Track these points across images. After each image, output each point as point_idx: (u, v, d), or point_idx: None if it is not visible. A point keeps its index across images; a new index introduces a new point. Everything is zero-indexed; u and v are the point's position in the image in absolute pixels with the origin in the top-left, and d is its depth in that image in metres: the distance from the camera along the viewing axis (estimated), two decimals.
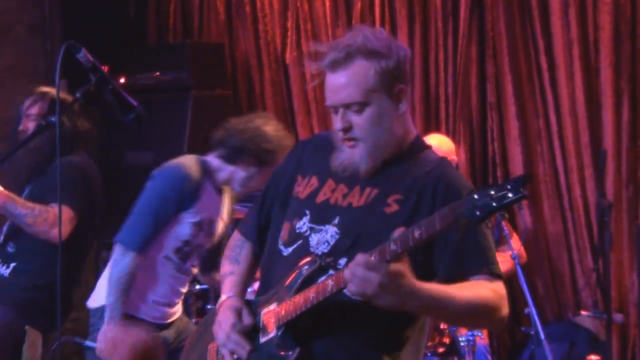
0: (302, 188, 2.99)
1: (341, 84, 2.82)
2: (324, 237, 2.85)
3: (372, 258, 2.47)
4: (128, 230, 4.28)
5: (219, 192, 4.44)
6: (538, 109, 6.40)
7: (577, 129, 6.23)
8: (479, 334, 5.28)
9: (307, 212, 2.92)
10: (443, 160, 2.93)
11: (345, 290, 2.59)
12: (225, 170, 4.37)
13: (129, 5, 7.68)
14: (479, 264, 2.77)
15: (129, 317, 4.29)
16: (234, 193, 4.63)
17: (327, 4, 7.03)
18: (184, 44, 7.14)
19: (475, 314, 2.72)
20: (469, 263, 2.76)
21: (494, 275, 2.77)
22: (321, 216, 2.89)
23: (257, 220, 3.18)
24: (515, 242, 5.65)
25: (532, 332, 5.08)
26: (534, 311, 5.05)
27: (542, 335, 5.03)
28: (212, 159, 4.39)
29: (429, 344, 5.27)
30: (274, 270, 2.96)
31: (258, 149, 4.30)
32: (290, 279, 2.83)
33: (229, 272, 3.16)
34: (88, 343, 4.28)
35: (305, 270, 2.79)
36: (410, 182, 2.83)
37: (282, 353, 2.76)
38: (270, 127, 4.37)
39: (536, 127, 6.42)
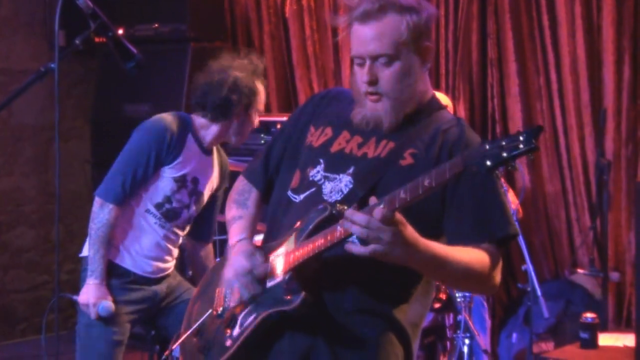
0: (316, 137, 2.98)
1: (372, 35, 2.79)
2: (338, 186, 2.84)
3: (382, 207, 2.46)
4: (107, 183, 4.27)
5: (206, 152, 4.40)
6: (539, 67, 6.38)
7: (577, 87, 6.21)
8: None
9: (322, 160, 2.91)
10: (460, 120, 2.94)
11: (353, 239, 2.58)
12: (215, 127, 4.34)
13: None
14: (489, 230, 2.75)
15: (117, 268, 4.29)
16: (224, 156, 4.61)
17: None
18: None
19: (468, 280, 2.76)
20: (480, 228, 2.74)
21: (501, 240, 2.78)
22: (336, 165, 2.88)
23: (264, 168, 3.16)
24: (512, 198, 5.64)
25: (529, 289, 5.08)
26: (530, 268, 5.05)
27: (539, 292, 5.03)
28: (199, 118, 4.36)
29: None
30: (284, 217, 2.95)
31: (240, 96, 4.26)
32: (301, 225, 2.82)
33: (237, 216, 3.14)
34: (75, 297, 4.28)
35: (316, 216, 2.77)
36: (428, 138, 2.84)
37: (288, 297, 2.76)
38: (240, 70, 4.32)
39: (536, 84, 6.40)
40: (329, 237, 2.65)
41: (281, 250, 2.86)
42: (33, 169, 7.53)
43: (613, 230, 6.07)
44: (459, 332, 5.21)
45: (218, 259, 5.13)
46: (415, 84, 2.85)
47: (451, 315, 5.64)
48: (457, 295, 5.20)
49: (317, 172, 2.90)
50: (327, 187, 2.86)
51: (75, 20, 3.86)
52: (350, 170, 2.84)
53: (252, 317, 2.86)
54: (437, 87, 6.61)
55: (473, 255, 2.71)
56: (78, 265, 4.43)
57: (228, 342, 2.92)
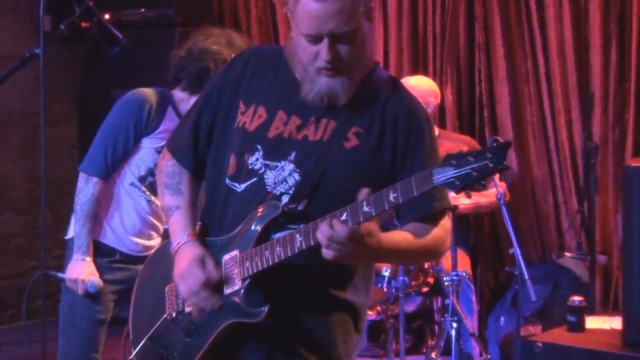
0: (249, 119, 2.81)
1: (332, 11, 2.57)
2: (281, 175, 2.72)
3: (345, 222, 2.43)
4: (89, 157, 4.26)
5: None
6: (526, 51, 6.38)
7: (565, 71, 6.21)
8: (464, 273, 5.30)
9: (259, 147, 2.77)
10: (396, 82, 2.84)
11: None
12: (194, 99, 4.34)
13: None
14: (431, 204, 2.73)
15: (102, 246, 4.28)
16: None
17: None
18: None
19: (425, 255, 2.89)
20: (421, 206, 2.72)
21: (444, 210, 2.78)
22: (275, 152, 2.74)
23: (193, 146, 2.96)
24: (499, 182, 5.64)
25: (516, 273, 5.08)
26: (518, 252, 5.05)
27: (526, 276, 5.04)
28: (177, 92, 4.35)
29: (413, 283, 5.28)
30: (226, 209, 2.84)
31: (217, 65, 4.24)
32: (251, 223, 2.72)
33: (175, 206, 2.97)
34: (60, 275, 4.27)
35: (267, 215, 2.69)
36: (369, 112, 2.74)
37: (251, 310, 2.68)
38: (214, 40, 4.30)
39: (524, 68, 6.41)
40: (288, 246, 2.59)
41: (234, 252, 2.75)
42: (20, 154, 7.52)
43: (600, 213, 6.09)
44: (446, 315, 5.22)
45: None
46: (368, 51, 2.74)
47: (439, 299, 5.66)
48: (445, 279, 5.22)
49: (256, 160, 2.76)
50: (270, 176, 2.73)
51: (61, 5, 3.84)
52: (292, 157, 2.72)
53: (212, 328, 2.78)
54: (425, 71, 6.61)
55: (427, 233, 2.71)
56: (65, 248, 4.43)
57: (192, 354, 2.83)
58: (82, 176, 4.25)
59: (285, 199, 2.71)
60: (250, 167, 2.77)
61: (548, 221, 6.41)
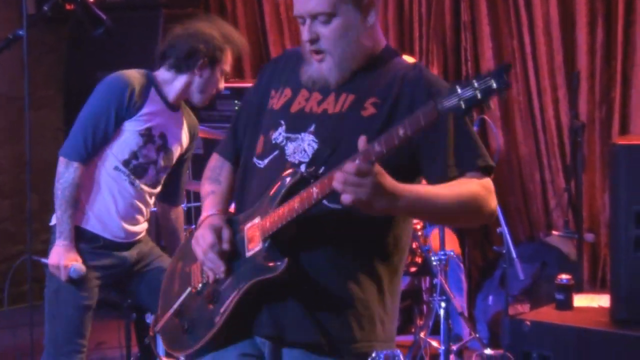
0: (276, 100, 2.96)
1: None
2: (301, 145, 2.81)
3: (358, 162, 2.44)
4: (69, 141, 4.24)
5: (172, 108, 4.36)
6: (512, 29, 6.38)
7: (551, 49, 6.21)
8: (452, 253, 5.31)
9: (282, 122, 2.89)
10: (417, 64, 2.94)
11: (325, 202, 2.60)
12: (178, 80, 4.31)
13: None
14: (469, 160, 2.73)
15: (85, 232, 4.27)
16: (194, 119, 4.58)
17: None
18: None
19: (464, 210, 2.69)
20: (459, 160, 2.72)
21: (484, 169, 2.75)
22: (296, 124, 2.85)
23: (233, 140, 3.14)
24: None
25: (504, 252, 5.10)
26: (505, 230, 5.07)
27: (514, 255, 5.05)
28: (162, 72, 4.33)
29: None
30: (251, 184, 2.93)
31: (207, 48, 4.23)
32: (273, 191, 2.77)
33: (210, 192, 3.10)
34: (44, 260, 4.25)
35: (288, 181, 2.74)
36: (387, 85, 2.82)
37: (271, 264, 2.72)
38: (211, 26, 4.30)
39: (510, 47, 6.40)
40: (305, 200, 2.62)
41: (256, 219, 2.81)
42: (5, 139, 7.48)
43: (587, 191, 6.10)
44: (435, 295, 5.23)
45: (193, 227, 5.11)
46: (359, 39, 2.82)
47: (427, 279, 5.67)
48: (432, 258, 5.22)
49: (279, 134, 2.87)
50: (290, 147, 2.83)
51: None
52: (312, 128, 2.82)
53: (235, 290, 2.82)
54: (411, 51, 6.61)
55: (462, 187, 2.68)
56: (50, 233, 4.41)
57: (215, 319, 2.87)
58: (62, 160, 4.22)
59: (303, 167, 2.77)
60: (273, 141, 2.88)
61: (535, 200, 6.42)
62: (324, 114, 2.83)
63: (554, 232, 6.12)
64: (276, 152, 2.86)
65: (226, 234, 2.86)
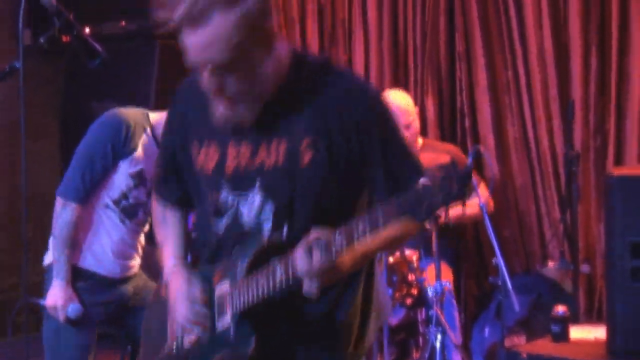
0: (204, 158, 2.80)
1: (204, 42, 2.49)
2: (253, 204, 2.72)
3: (321, 256, 2.47)
4: (66, 181, 4.21)
5: None
6: (507, 60, 6.40)
7: (545, 80, 6.23)
8: (447, 284, 5.30)
9: (223, 183, 2.76)
10: (326, 71, 2.73)
11: None
12: None
13: None
14: (410, 175, 2.66)
15: (81, 271, 4.25)
16: None
17: None
18: None
19: (399, 241, 2.90)
20: (403, 178, 2.67)
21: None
22: (239, 185, 2.74)
23: (166, 182, 3.03)
24: (483, 191, 5.66)
25: (500, 283, 5.08)
26: (501, 262, 5.06)
27: (510, 286, 5.04)
28: (158, 114, 4.32)
29: (397, 295, 5.28)
30: (211, 242, 2.86)
31: None
32: (240, 254, 2.74)
33: (163, 239, 3.06)
34: (41, 301, 4.23)
35: (252, 246, 2.72)
36: (312, 115, 2.66)
37: (241, 342, 2.70)
38: None
39: (504, 78, 6.42)
40: (271, 282, 2.60)
41: (225, 285, 2.77)
42: (2, 169, 7.47)
43: (583, 222, 6.09)
44: (430, 326, 5.22)
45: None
46: (266, 71, 2.60)
47: (423, 311, 5.65)
48: (428, 290, 5.21)
49: (226, 196, 2.76)
50: (244, 209, 2.74)
51: (42, 18, 3.82)
52: (257, 186, 2.71)
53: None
54: (405, 81, 6.64)
55: (389, 232, 2.62)
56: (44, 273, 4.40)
57: None
58: (59, 200, 4.20)
59: (266, 226, 2.72)
60: (222, 202, 2.78)
61: (531, 231, 6.42)
62: (261, 167, 2.70)
63: (550, 263, 6.11)
64: (231, 213, 2.77)
65: (196, 292, 2.82)
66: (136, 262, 4.44)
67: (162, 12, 2.51)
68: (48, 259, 4.27)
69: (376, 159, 2.68)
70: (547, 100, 6.23)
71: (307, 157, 2.66)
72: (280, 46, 2.66)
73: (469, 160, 5.35)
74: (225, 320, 2.75)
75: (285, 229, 2.68)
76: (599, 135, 6.10)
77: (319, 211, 2.65)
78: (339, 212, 2.66)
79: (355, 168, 2.69)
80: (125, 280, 4.38)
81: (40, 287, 4.29)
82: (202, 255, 2.94)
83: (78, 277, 4.22)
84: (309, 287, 2.54)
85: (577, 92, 6.13)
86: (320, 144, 2.65)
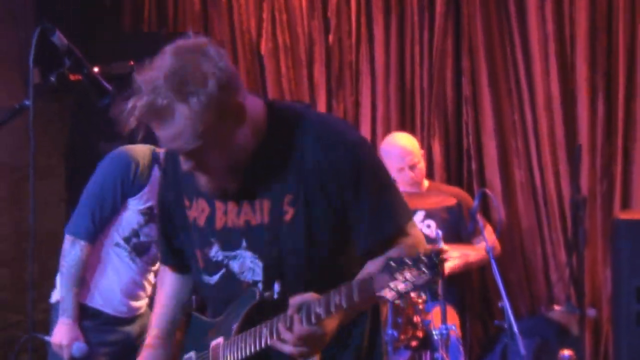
0: (197, 213, 2.85)
1: (170, 135, 2.52)
2: (245, 264, 2.78)
3: (302, 325, 2.50)
4: (75, 219, 4.21)
5: None
6: (513, 104, 6.41)
7: (552, 124, 6.25)
8: (453, 327, 5.27)
9: (213, 240, 2.83)
10: (305, 122, 2.74)
11: None
12: None
13: None
14: (391, 225, 2.73)
15: (89, 309, 4.24)
16: None
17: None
18: (159, 34, 7.08)
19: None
20: (378, 233, 2.72)
21: (401, 230, 2.75)
22: (228, 242, 2.80)
23: (167, 246, 3.11)
24: (489, 234, 5.65)
25: (506, 326, 5.07)
26: (507, 305, 5.05)
27: (516, 329, 5.02)
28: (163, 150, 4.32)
29: (402, 337, 5.25)
30: (208, 297, 2.94)
31: None
32: (234, 310, 2.80)
33: (156, 301, 3.17)
34: (46, 338, 4.22)
35: (246, 303, 2.76)
36: (291, 173, 2.70)
37: None
38: None
39: (511, 121, 6.43)
40: (257, 344, 2.64)
41: (219, 338, 2.83)
42: (6, 207, 7.47)
43: (589, 266, 6.08)
44: None
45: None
46: (239, 144, 2.62)
47: (428, 354, 5.62)
48: (434, 332, 5.18)
49: (216, 252, 2.83)
50: (235, 266, 2.81)
51: (51, 57, 3.84)
52: (244, 245, 2.77)
53: None
54: (412, 124, 6.64)
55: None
56: (50, 309, 4.38)
57: None
58: (68, 238, 4.19)
59: (259, 285, 2.77)
60: (214, 259, 2.83)
61: (537, 274, 6.40)
62: (247, 226, 2.75)
63: (556, 307, 6.09)
64: (223, 270, 2.83)
65: None
66: (144, 302, 4.42)
67: (124, 115, 2.56)
68: (55, 296, 4.26)
69: (356, 208, 2.70)
70: (553, 144, 6.24)
71: (289, 214, 2.69)
72: (252, 108, 2.65)
73: (475, 203, 5.36)
74: None
75: (276, 287, 2.72)
76: (605, 179, 6.11)
77: (309, 265, 2.70)
78: (331, 262, 2.70)
79: (339, 217, 2.71)
80: (132, 320, 4.37)
81: (44, 325, 4.27)
82: (205, 303, 3.00)
83: (85, 315, 4.20)
84: (294, 352, 2.55)
85: (583, 136, 6.14)
86: (300, 199, 2.68)
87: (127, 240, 4.24)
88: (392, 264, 2.31)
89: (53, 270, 4.29)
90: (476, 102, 6.54)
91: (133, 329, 4.38)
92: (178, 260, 3.09)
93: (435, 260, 2.29)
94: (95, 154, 6.64)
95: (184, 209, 2.90)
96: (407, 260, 2.30)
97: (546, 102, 6.25)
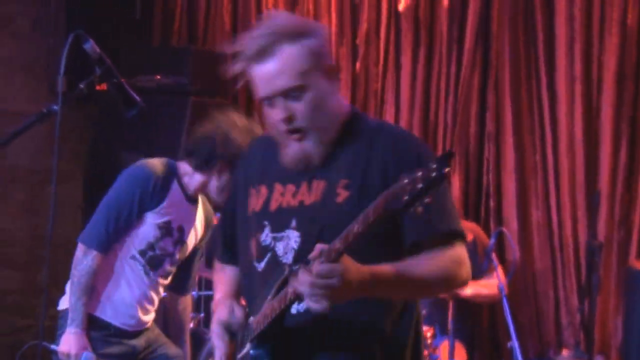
0: (255, 200, 2.92)
1: (274, 71, 2.71)
2: (289, 244, 2.80)
3: (320, 261, 2.47)
4: (90, 229, 4.23)
5: (191, 200, 4.36)
6: (536, 144, 6.39)
7: (573, 167, 6.21)
8: None
9: (266, 222, 2.86)
10: (382, 126, 2.92)
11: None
12: (197, 177, 4.31)
13: (136, 5, 7.65)
14: (439, 226, 2.75)
15: (97, 320, 4.23)
16: (209, 207, 4.58)
17: (334, 22, 7.00)
18: (188, 50, 7.10)
19: (433, 286, 2.80)
20: (430, 226, 2.72)
21: (454, 236, 2.78)
22: (279, 223, 2.83)
23: (224, 244, 3.15)
24: (501, 275, 5.63)
25: None
26: (516, 345, 5.02)
27: None
28: (184, 165, 4.33)
29: None
30: (252, 287, 2.92)
31: (226, 152, 4.23)
32: (265, 291, 2.79)
33: (218, 280, 3.16)
34: (53, 347, 4.21)
35: (275, 281, 2.75)
36: (354, 159, 2.79)
37: None
38: (238, 130, 4.30)
39: (532, 161, 6.41)
40: (281, 301, 2.65)
41: (250, 318, 2.85)
42: (22, 211, 7.49)
43: (601, 313, 6.03)
44: None
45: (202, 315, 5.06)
46: (333, 107, 2.80)
47: None
48: None
49: (266, 236, 2.85)
50: (280, 247, 2.82)
51: (80, 65, 3.86)
52: (294, 224, 2.80)
53: None
54: None
55: (431, 264, 2.70)
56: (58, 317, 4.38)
57: None
58: (80, 247, 4.20)
59: (291, 258, 2.79)
60: (263, 244, 2.85)
61: (547, 317, 6.36)
62: (301, 206, 2.80)
63: (565, 351, 6.05)
64: (269, 255, 2.84)
65: (237, 315, 2.90)
66: (152, 316, 4.42)
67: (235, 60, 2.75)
68: (63, 304, 4.26)
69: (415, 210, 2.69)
70: (573, 187, 6.21)
71: (341, 196, 2.75)
72: (340, 95, 2.89)
73: (491, 242, 5.34)
74: (244, 349, 2.82)
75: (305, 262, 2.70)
76: (623, 227, 6.07)
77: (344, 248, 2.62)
78: (366, 253, 2.63)
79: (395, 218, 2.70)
80: (139, 333, 4.36)
81: (51, 331, 4.27)
82: (247, 303, 2.99)
83: (92, 326, 4.20)
84: (313, 299, 2.50)
85: (604, 181, 6.10)
86: (355, 184, 2.75)
87: (142, 253, 4.24)
88: (403, 176, 2.37)
89: (63, 276, 4.30)
90: (499, 139, 6.52)
91: (139, 342, 4.38)
92: (233, 261, 3.12)
93: (444, 159, 2.33)
94: (114, 164, 6.66)
95: (248, 201, 2.95)
96: (417, 170, 2.35)
97: (569, 144, 6.23)
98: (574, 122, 6.21)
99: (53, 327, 4.31)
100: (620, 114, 6.08)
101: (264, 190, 2.90)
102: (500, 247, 6.24)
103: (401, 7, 6.74)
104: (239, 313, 2.89)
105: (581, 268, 6.15)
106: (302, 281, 2.49)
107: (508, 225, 6.38)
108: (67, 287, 4.27)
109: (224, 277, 3.15)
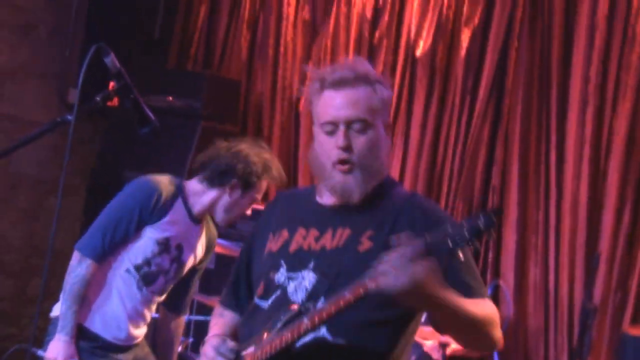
0: (274, 242, 2.97)
1: (347, 100, 2.84)
2: (302, 283, 2.81)
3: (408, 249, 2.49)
4: (87, 237, 4.24)
5: (194, 221, 4.36)
6: (540, 201, 6.39)
7: (575, 227, 6.20)
8: None
9: (282, 262, 2.90)
10: (415, 194, 3.02)
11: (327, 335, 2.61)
12: (208, 194, 4.31)
13: (156, 25, 7.69)
14: (472, 283, 2.82)
15: (86, 331, 4.22)
16: (214, 231, 4.57)
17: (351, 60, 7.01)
18: (202, 74, 7.13)
19: (481, 328, 2.76)
20: (463, 281, 2.77)
21: (484, 295, 2.85)
22: (296, 263, 2.86)
23: (231, 288, 3.18)
24: None
25: None
26: None
27: None
28: (194, 183, 4.34)
29: None
30: (253, 324, 2.92)
31: (244, 171, 4.24)
32: (269, 324, 2.79)
33: (214, 324, 3.16)
34: (40, 352, 4.21)
35: (284, 316, 2.76)
36: (382, 216, 2.85)
37: None
38: (256, 151, 4.33)
39: (535, 218, 6.40)
40: (295, 330, 2.66)
41: (251, 348, 2.83)
42: (22, 218, 7.48)
43: None
44: None
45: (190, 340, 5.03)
46: (383, 157, 2.90)
47: None
48: None
49: (281, 275, 2.88)
50: (292, 286, 2.84)
51: (91, 77, 3.87)
52: (311, 265, 2.83)
53: None
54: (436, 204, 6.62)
55: (483, 307, 2.75)
56: (48, 323, 4.36)
57: None
58: (76, 255, 4.21)
59: (304, 296, 2.80)
60: (276, 282, 2.88)
61: None
62: (322, 250, 2.84)
63: None
64: (278, 292, 2.86)
65: (227, 347, 2.88)
66: (142, 332, 4.41)
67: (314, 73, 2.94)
68: (56, 311, 4.26)
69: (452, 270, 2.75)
70: (573, 247, 6.20)
71: (364, 246, 2.80)
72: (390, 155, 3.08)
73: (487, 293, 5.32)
74: None
75: (321, 300, 2.73)
76: (620, 291, 6.05)
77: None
78: (376, 305, 2.67)
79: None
80: (127, 348, 4.35)
81: (38, 341, 4.26)
82: (242, 337, 2.99)
83: (81, 336, 4.20)
84: (393, 279, 2.47)
85: (605, 244, 6.09)
86: (379, 239, 2.77)
87: (138, 268, 4.24)
88: (446, 223, 2.51)
89: (57, 287, 4.29)
90: (503, 193, 6.52)
91: (126, 358, 4.36)
92: (238, 306, 3.14)
93: (492, 214, 2.45)
94: (117, 181, 6.66)
95: (263, 248, 3.00)
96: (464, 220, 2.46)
97: (572, 205, 6.22)
98: (580, 183, 6.20)
99: (40, 337, 4.30)
100: (627, 178, 6.08)
101: (285, 233, 2.95)
102: (495, 300, 6.22)
103: (419, 52, 6.77)
104: (230, 344, 2.89)
105: (574, 329, 6.13)
106: (393, 256, 2.48)
107: (505, 279, 6.36)
108: (61, 296, 4.26)
109: (220, 321, 3.16)
